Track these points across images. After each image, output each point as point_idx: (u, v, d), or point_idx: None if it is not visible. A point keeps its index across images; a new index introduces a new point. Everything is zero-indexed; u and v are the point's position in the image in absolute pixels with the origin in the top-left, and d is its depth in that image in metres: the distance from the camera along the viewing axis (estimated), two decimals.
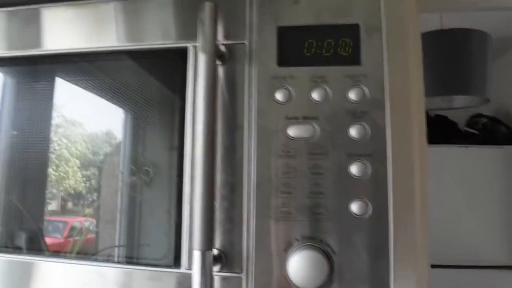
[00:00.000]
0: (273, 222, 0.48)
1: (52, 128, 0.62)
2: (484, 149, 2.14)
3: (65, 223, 0.60)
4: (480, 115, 2.48)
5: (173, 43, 0.56)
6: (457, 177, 2.11)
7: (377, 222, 0.47)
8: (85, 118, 0.62)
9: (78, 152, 0.60)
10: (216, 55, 0.52)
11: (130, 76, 0.60)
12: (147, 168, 0.56)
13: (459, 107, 1.85)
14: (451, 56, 1.61)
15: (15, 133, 0.62)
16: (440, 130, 2.37)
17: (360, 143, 0.48)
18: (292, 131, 0.49)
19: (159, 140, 0.58)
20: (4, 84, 0.65)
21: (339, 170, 0.48)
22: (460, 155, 2.17)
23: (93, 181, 0.60)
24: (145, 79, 0.59)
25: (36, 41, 0.61)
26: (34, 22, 0.61)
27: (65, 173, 0.60)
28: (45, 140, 0.61)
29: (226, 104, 0.52)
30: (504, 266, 1.90)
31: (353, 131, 0.48)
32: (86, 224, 0.60)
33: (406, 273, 0.75)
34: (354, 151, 0.48)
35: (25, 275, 0.56)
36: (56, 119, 0.62)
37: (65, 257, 0.57)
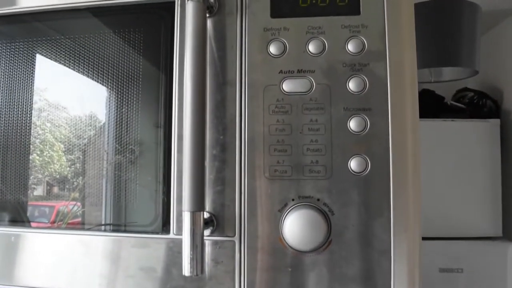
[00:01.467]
0: (267, 182, 0.46)
1: (31, 108, 0.57)
2: (470, 122, 2.15)
3: (51, 207, 0.57)
4: (467, 89, 2.47)
5: None
6: (444, 151, 2.12)
7: (376, 179, 0.44)
8: (64, 98, 0.57)
9: (57, 133, 0.56)
10: (207, 6, 0.48)
11: (109, 42, 0.56)
12: (133, 147, 0.53)
13: (448, 80, 1.83)
14: (441, 27, 1.59)
15: None
16: (427, 105, 2.36)
17: (359, 96, 0.45)
18: (286, 86, 0.46)
19: (144, 117, 0.54)
20: None
21: (337, 125, 0.45)
22: (447, 129, 2.17)
23: (77, 164, 0.56)
24: (126, 44, 0.55)
25: None
26: None
27: (50, 157, 0.56)
28: (19, 117, 0.57)
29: (215, 59, 0.49)
30: (490, 237, 1.92)
31: (352, 84, 0.45)
32: (72, 207, 0.56)
33: (403, 233, 0.74)
34: (353, 105, 0.45)
35: (9, 247, 0.53)
36: (36, 101, 0.57)
37: (50, 228, 0.54)
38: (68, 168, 0.56)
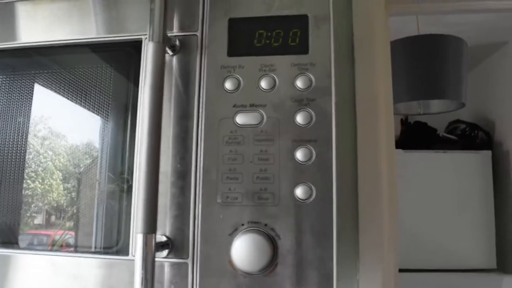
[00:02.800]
0: (219, 208, 0.49)
1: (27, 135, 0.61)
2: (462, 154, 2.17)
3: (48, 236, 0.59)
4: (459, 121, 2.51)
5: (128, 35, 0.57)
6: (437, 182, 2.13)
7: (320, 206, 0.47)
8: (61, 126, 0.61)
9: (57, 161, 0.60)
10: (169, 46, 0.53)
11: (92, 74, 0.60)
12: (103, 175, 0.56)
13: (436, 112, 1.87)
14: (427, 61, 1.64)
15: None
16: (420, 137, 2.39)
17: (305, 129, 0.49)
18: (240, 118, 0.50)
19: (113, 149, 0.58)
20: None
21: (285, 155, 0.49)
22: (439, 160, 2.19)
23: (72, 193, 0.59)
24: (103, 77, 0.60)
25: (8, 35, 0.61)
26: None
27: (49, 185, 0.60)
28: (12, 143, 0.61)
29: (179, 94, 0.53)
30: (485, 269, 1.91)
31: (299, 118, 0.49)
32: (64, 236, 0.59)
33: (369, 259, 0.76)
34: (300, 137, 0.49)
35: None
36: (28, 125, 0.61)
37: (16, 248, 0.57)
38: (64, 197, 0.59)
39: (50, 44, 0.60)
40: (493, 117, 2.43)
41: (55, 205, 0.58)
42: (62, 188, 0.59)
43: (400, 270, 0.89)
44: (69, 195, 0.59)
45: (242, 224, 0.48)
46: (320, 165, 0.48)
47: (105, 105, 0.58)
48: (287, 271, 0.47)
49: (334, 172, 0.48)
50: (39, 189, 0.59)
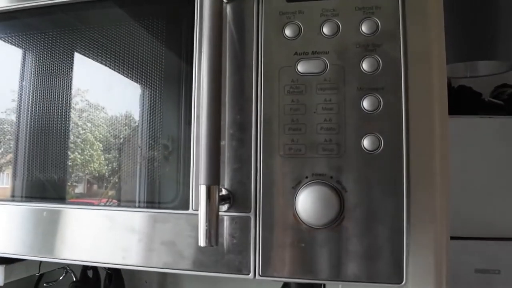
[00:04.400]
0: (281, 160, 0.47)
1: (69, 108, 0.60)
2: (509, 119, 2.07)
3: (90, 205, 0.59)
4: (506, 85, 2.39)
5: None
6: (482, 148, 2.05)
7: (389, 158, 0.45)
8: (97, 96, 0.60)
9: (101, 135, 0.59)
10: None
11: (133, 33, 0.58)
12: (160, 139, 0.55)
13: (485, 75, 1.78)
14: (474, 17, 1.54)
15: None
16: (464, 101, 2.30)
17: (372, 76, 0.46)
18: (301, 67, 0.48)
19: (168, 110, 0.56)
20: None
21: (351, 104, 0.46)
22: (484, 126, 2.10)
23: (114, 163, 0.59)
24: (149, 36, 0.57)
25: None
26: None
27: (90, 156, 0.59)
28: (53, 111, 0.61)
29: (234, 43, 0.51)
30: None
31: (365, 65, 0.46)
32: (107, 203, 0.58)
33: (422, 215, 0.73)
34: (366, 85, 0.46)
35: (42, 223, 0.56)
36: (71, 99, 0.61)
37: (76, 203, 0.57)
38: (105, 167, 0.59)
39: None
40: None
41: (97, 174, 0.58)
42: (103, 158, 0.58)
43: None
44: (110, 164, 0.58)
45: (306, 177, 0.46)
46: (389, 114, 0.45)
47: (146, 71, 0.56)
48: (353, 226, 0.45)
49: (404, 123, 0.45)
50: (78, 160, 0.59)
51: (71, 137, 0.60)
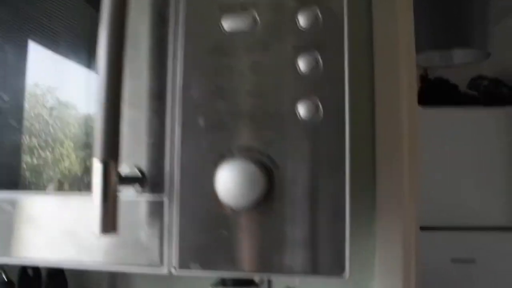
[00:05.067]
0: (202, 132, 0.39)
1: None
2: (484, 110, 2.05)
3: None
4: (481, 77, 2.37)
5: None
6: (458, 139, 2.02)
7: (330, 128, 0.37)
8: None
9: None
10: None
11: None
12: None
13: (459, 64, 1.74)
14: (450, 5, 1.49)
15: None
16: (441, 93, 2.27)
17: (310, 32, 0.39)
18: (226, 23, 0.40)
19: None
20: None
21: (284, 65, 0.39)
22: (460, 117, 2.07)
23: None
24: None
25: None
26: None
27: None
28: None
29: None
30: (505, 227, 1.83)
31: (302, 19, 0.39)
32: None
33: (389, 202, 0.67)
34: (303, 43, 0.39)
35: None
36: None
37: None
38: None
39: None
40: None
41: (67, 173, 0.50)
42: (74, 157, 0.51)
43: (420, 228, 0.81)
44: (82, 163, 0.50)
45: (231, 151, 0.39)
46: (329, 77, 0.38)
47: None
48: (286, 208, 0.37)
49: (347, 85, 0.37)
50: (49, 158, 0.52)
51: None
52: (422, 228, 0.91)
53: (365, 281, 0.74)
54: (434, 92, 2.25)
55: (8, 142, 0.50)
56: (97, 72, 0.37)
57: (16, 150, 0.50)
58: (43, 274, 0.91)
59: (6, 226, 0.45)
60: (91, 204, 0.37)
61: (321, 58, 0.38)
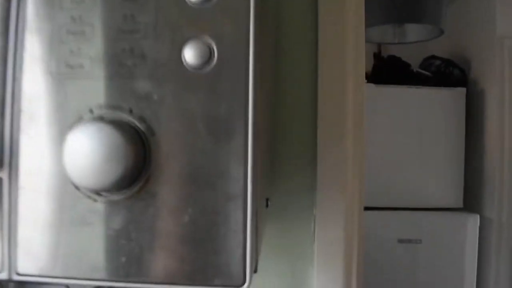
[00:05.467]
0: (54, 82, 0.28)
1: None
2: (436, 90, 2.03)
3: None
4: (434, 57, 2.36)
5: None
6: (408, 118, 2.00)
7: (226, 78, 0.27)
8: None
9: None
10: None
11: None
12: None
13: (412, 41, 1.68)
14: None
15: None
16: (393, 72, 2.23)
17: None
18: None
19: None
20: None
21: None
22: (411, 96, 2.05)
23: None
24: None
25: None
26: None
27: None
28: None
29: None
30: (451, 208, 1.84)
31: None
32: None
33: (330, 182, 0.59)
34: None
35: None
36: None
37: None
38: None
39: None
40: (469, 54, 2.29)
41: None
42: None
43: (366, 208, 0.75)
44: None
45: (90, 111, 0.27)
46: (225, 8, 0.27)
47: None
48: (166, 190, 0.27)
49: (253, 17, 0.27)
50: None
51: None
52: (368, 208, 0.85)
53: (305, 267, 0.67)
54: (387, 70, 2.22)
55: None
56: None
57: None
58: None
59: None
60: None
61: None
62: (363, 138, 0.73)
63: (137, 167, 0.26)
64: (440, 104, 2.00)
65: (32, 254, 0.27)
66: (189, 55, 0.27)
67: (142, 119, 0.27)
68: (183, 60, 0.27)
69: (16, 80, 0.28)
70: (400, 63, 2.27)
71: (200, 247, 0.27)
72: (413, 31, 1.65)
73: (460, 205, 1.88)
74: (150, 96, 0.27)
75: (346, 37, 0.63)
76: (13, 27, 0.28)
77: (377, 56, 2.19)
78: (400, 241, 1.79)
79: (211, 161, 0.27)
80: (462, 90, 2.05)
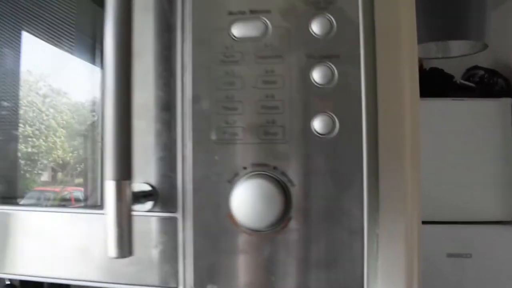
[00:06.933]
0: (214, 146, 0.38)
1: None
2: (480, 101, 2.04)
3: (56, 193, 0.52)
4: (477, 67, 2.36)
5: None
6: (453, 131, 2.01)
7: (346, 143, 0.36)
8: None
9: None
10: None
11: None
12: None
13: (456, 56, 1.72)
14: None
15: None
16: (436, 84, 2.26)
17: (324, 41, 0.37)
18: (237, 30, 0.38)
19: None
20: None
21: (298, 76, 0.37)
22: (456, 108, 2.06)
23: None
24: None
25: None
26: None
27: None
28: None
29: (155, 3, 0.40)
30: (500, 221, 1.83)
31: (316, 26, 0.37)
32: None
33: (391, 206, 0.66)
34: (317, 52, 0.37)
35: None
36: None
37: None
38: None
39: None
40: None
41: (61, 162, 0.49)
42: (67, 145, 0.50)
43: None
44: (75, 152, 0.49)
45: (244, 168, 0.37)
46: (345, 89, 0.36)
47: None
48: (304, 227, 0.36)
49: (364, 100, 0.36)
50: (43, 147, 0.51)
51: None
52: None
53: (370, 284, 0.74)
54: (430, 83, 2.24)
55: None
56: (103, 87, 0.35)
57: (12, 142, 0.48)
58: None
59: (11, 239, 0.43)
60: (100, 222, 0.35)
61: (336, 69, 0.36)
62: (420, 158, 0.80)
63: (283, 211, 0.35)
64: (485, 115, 2.01)
65: (204, 273, 0.37)
66: (317, 125, 0.36)
67: (284, 174, 0.36)
68: (312, 129, 0.36)
69: (184, 145, 0.38)
70: (443, 75, 2.29)
71: (330, 270, 0.36)
72: (457, 45, 1.69)
73: (510, 218, 1.87)
74: (288, 156, 0.37)
75: (401, 57, 0.68)
76: (179, 104, 0.39)
77: (419, 69, 2.22)
78: (449, 255, 1.79)
79: (336, 204, 0.36)
80: (507, 101, 2.05)
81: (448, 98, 2.02)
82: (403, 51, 0.70)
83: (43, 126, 0.51)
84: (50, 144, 0.52)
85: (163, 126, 0.39)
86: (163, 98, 0.39)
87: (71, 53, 0.48)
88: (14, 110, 0.50)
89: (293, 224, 0.36)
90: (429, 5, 1.48)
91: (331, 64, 0.37)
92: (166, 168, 0.39)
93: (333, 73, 0.36)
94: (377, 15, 0.64)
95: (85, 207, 0.44)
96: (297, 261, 0.36)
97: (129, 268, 0.39)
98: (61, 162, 0.51)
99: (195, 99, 0.38)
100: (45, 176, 0.54)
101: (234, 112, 0.38)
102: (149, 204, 0.39)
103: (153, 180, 0.39)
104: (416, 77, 0.77)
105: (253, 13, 0.38)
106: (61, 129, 0.51)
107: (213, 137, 0.38)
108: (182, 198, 0.38)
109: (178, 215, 0.38)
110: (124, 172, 0.34)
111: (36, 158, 0.52)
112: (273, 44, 0.37)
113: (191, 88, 0.38)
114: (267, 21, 0.38)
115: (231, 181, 0.37)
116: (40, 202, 0.49)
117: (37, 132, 0.51)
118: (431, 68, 2.22)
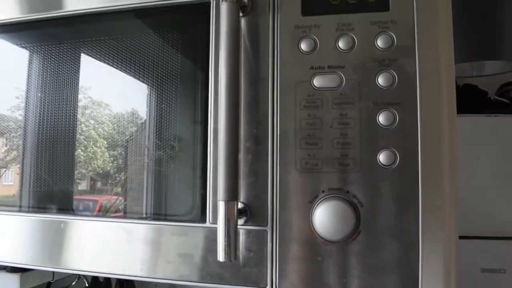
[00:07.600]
0: (298, 174, 0.48)
1: (79, 108, 0.62)
2: None
3: (95, 201, 0.61)
4: (511, 84, 2.38)
5: None
6: (487, 147, 2.04)
7: (405, 173, 0.45)
8: (109, 97, 0.62)
9: (104, 132, 0.61)
10: (240, 6, 0.50)
11: (150, 42, 0.59)
12: (173, 143, 0.56)
13: (491, 74, 1.77)
14: (481, 17, 1.54)
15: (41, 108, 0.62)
16: (469, 100, 2.29)
17: (388, 91, 0.46)
18: (317, 81, 0.48)
19: (182, 113, 0.57)
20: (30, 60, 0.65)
21: (367, 119, 0.47)
22: (490, 124, 2.08)
23: (120, 160, 0.60)
24: (165, 43, 0.58)
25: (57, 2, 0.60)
26: None
27: (93, 153, 0.61)
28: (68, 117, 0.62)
29: (249, 57, 0.51)
30: None
31: (381, 79, 0.47)
32: (114, 201, 0.60)
33: (435, 228, 0.74)
34: (382, 100, 0.46)
35: (58, 233, 0.57)
36: (81, 99, 0.62)
37: (95, 216, 0.58)
38: (110, 164, 0.60)
39: (101, 10, 0.58)
40: None
41: (101, 171, 0.59)
42: (107, 155, 0.60)
43: None
44: (115, 162, 0.59)
45: (323, 191, 0.47)
46: (404, 130, 0.46)
47: (174, 71, 0.56)
48: (369, 239, 0.45)
49: (420, 138, 0.45)
50: (82, 157, 0.61)
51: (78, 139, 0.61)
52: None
53: None
54: (463, 99, 2.27)
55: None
56: (219, 125, 0.46)
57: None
58: (113, 279, 1.01)
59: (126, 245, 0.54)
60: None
61: (398, 113, 0.46)
62: (456, 176, 0.86)
63: (355, 226, 0.45)
64: None
65: (288, 277, 0.47)
66: (382, 158, 0.46)
67: (355, 196, 0.46)
68: (378, 161, 0.46)
69: (274, 172, 0.48)
70: (477, 92, 2.33)
71: (391, 275, 0.45)
72: (491, 64, 1.74)
73: None
74: (359, 182, 0.46)
75: (441, 86, 0.75)
76: (270, 139, 0.49)
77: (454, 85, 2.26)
78: (483, 270, 1.81)
79: (396, 222, 0.45)
80: None
81: (482, 115, 2.06)
82: (443, 86, 0.77)
83: (82, 137, 0.61)
84: (90, 154, 0.61)
85: (253, 156, 0.50)
86: (255, 134, 0.50)
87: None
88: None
89: (362, 237, 0.45)
90: (465, 27, 1.55)
91: (393, 110, 0.46)
92: (256, 190, 0.49)
93: (395, 117, 0.46)
94: (422, 58, 0.73)
95: (182, 220, 0.54)
96: (364, 266, 0.45)
97: (227, 271, 0.49)
98: (101, 171, 0.60)
99: (283, 136, 0.48)
100: (83, 185, 0.61)
101: (315, 147, 0.47)
102: (243, 219, 0.49)
103: (245, 199, 0.50)
104: (454, 98, 0.84)
105: (330, 68, 0.48)
106: (102, 140, 0.61)
107: (297, 166, 0.48)
108: (271, 215, 0.48)
109: (268, 228, 0.48)
110: (233, 194, 0.45)
111: (77, 168, 0.61)
112: (346, 93, 0.47)
113: (279, 127, 0.48)
114: (342, 75, 0.48)
115: (312, 202, 0.47)
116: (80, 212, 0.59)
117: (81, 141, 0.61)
118: (465, 84, 2.25)
